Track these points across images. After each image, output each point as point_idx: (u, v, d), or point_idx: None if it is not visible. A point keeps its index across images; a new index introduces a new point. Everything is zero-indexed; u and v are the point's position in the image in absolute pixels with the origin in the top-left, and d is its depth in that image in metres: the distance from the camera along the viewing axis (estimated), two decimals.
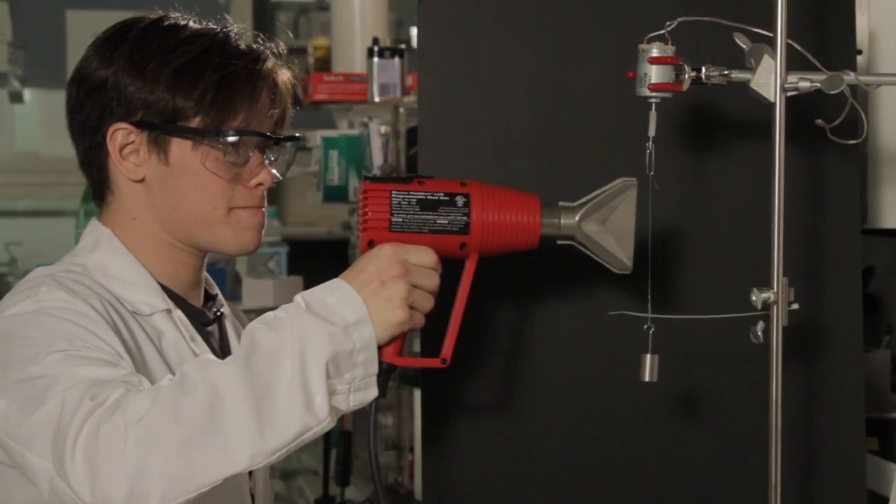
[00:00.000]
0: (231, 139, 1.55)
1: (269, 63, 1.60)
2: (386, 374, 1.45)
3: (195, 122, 1.55)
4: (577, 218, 1.53)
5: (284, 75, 1.63)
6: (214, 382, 1.33)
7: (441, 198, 1.45)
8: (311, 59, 4.53)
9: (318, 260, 4.94)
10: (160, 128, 1.55)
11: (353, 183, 3.58)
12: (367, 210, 1.44)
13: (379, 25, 4.38)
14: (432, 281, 1.45)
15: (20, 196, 6.42)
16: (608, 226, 1.53)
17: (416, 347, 3.12)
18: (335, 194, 3.61)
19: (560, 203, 1.54)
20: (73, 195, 3.41)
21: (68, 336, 1.43)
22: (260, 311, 4.20)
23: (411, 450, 3.15)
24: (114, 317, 1.51)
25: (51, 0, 6.79)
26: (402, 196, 1.45)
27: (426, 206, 1.45)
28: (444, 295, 1.51)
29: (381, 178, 1.47)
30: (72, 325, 1.44)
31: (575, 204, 1.54)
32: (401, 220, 1.44)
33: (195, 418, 1.31)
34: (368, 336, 1.40)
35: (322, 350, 1.36)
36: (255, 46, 1.60)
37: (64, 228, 4.48)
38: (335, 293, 1.41)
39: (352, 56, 4.34)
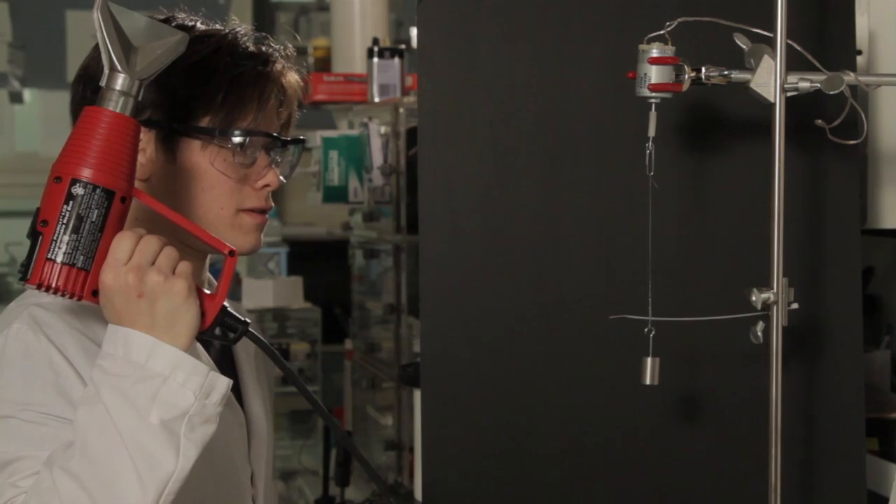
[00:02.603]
0: (240, 140, 1.54)
1: (279, 65, 1.60)
2: (225, 316, 1.40)
3: (204, 122, 1.55)
4: (126, 69, 1.38)
5: (292, 77, 1.63)
6: (66, 489, 1.32)
7: (70, 208, 1.35)
8: (310, 60, 4.54)
9: (317, 260, 4.95)
10: (169, 127, 1.55)
11: (353, 183, 3.58)
12: (60, 289, 1.36)
13: (379, 25, 4.38)
14: (153, 244, 1.38)
15: (20, 196, 6.41)
16: (137, 41, 1.40)
17: (416, 348, 3.12)
18: (335, 194, 3.60)
19: (100, 83, 1.40)
20: None
21: (21, 399, 1.42)
22: (260, 312, 4.22)
23: (411, 450, 3.15)
24: (90, 349, 1.49)
25: (51, 0, 6.78)
26: (56, 249, 1.35)
27: (74, 226, 1.35)
28: None
29: (24, 265, 1.37)
30: (27, 383, 1.43)
31: (105, 68, 1.39)
32: (82, 257, 1.36)
33: None
34: (169, 356, 1.36)
35: (136, 407, 1.34)
36: (263, 48, 1.60)
37: None
38: (117, 341, 1.36)
39: (352, 56, 4.34)
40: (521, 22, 1.86)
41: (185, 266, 1.38)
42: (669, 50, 1.60)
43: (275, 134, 1.58)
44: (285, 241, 4.79)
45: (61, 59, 6.71)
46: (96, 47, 1.58)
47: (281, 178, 1.61)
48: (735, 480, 1.89)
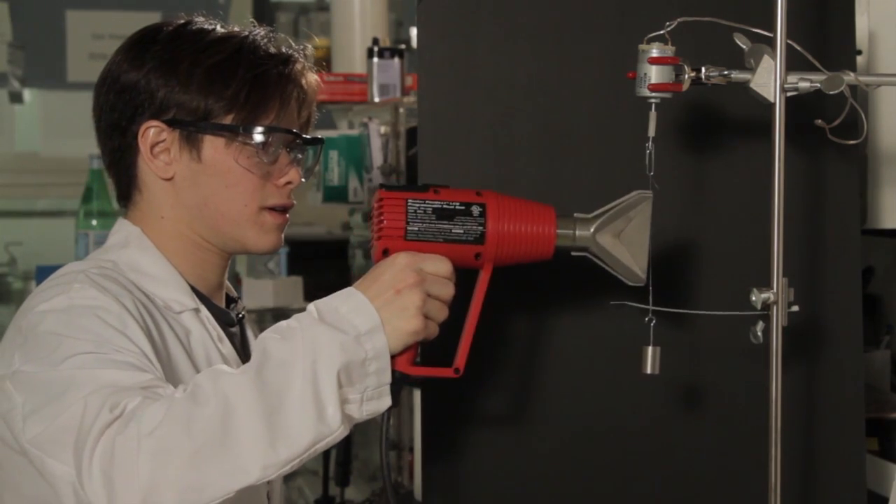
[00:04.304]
0: (264, 137, 1.57)
1: (299, 65, 1.62)
2: (398, 383, 1.44)
3: (227, 121, 1.57)
4: (592, 230, 1.53)
5: (312, 78, 1.65)
6: (226, 394, 1.33)
7: (457, 207, 1.45)
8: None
9: (317, 260, 4.94)
10: (193, 125, 1.57)
11: (353, 183, 3.58)
12: (383, 218, 1.44)
13: (379, 25, 4.37)
14: (447, 290, 1.45)
15: (20, 196, 6.41)
16: (623, 238, 1.53)
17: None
18: (335, 194, 3.60)
19: (575, 214, 1.54)
20: (73, 195, 3.41)
21: (97, 338, 1.44)
22: (260, 312, 4.22)
23: (411, 450, 3.14)
24: (144, 316, 1.52)
25: (51, 0, 6.78)
26: (418, 205, 1.44)
27: (442, 215, 1.45)
28: (457, 304, 1.50)
29: (398, 186, 1.47)
30: (102, 326, 1.45)
31: (590, 216, 1.54)
32: (416, 228, 1.44)
33: (207, 430, 1.31)
34: (381, 345, 1.40)
35: (333, 359, 1.36)
36: (284, 49, 1.62)
37: (64, 228, 4.47)
38: (348, 302, 1.41)
39: (352, 56, 4.33)
40: (521, 22, 1.86)
41: (435, 326, 1.45)
42: (669, 50, 1.60)
43: (296, 132, 1.61)
44: (285, 241, 4.77)
45: (61, 59, 6.70)
46: (119, 50, 1.63)
47: (301, 177, 1.64)
48: (735, 475, 1.89)
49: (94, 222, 3.17)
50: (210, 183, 1.58)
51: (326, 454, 3.42)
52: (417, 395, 2.68)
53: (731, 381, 1.89)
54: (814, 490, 1.90)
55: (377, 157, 3.32)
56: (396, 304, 1.41)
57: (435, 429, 1.86)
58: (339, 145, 3.59)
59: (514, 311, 1.86)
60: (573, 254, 1.54)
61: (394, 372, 1.43)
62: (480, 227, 1.46)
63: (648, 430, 1.88)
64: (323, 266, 4.86)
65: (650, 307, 1.64)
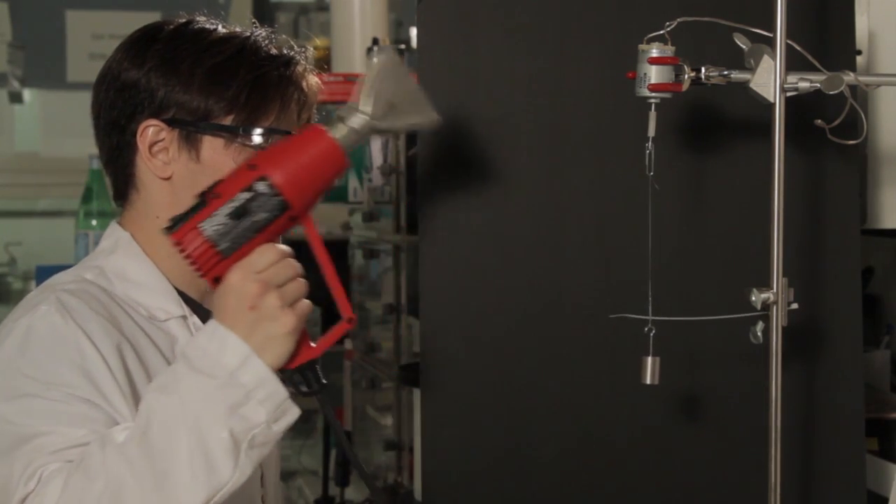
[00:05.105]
0: (263, 138, 1.56)
1: (300, 67, 1.62)
2: (309, 369, 1.41)
3: (227, 121, 1.56)
4: (363, 111, 1.44)
5: (312, 80, 1.64)
6: (114, 467, 1.32)
7: (244, 196, 1.38)
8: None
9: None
10: (193, 125, 1.56)
11: (353, 183, 3.58)
12: (191, 257, 1.38)
13: (379, 25, 4.37)
14: (291, 269, 1.41)
15: (20, 196, 6.41)
16: (396, 98, 1.45)
17: (416, 348, 3.12)
18: (335, 194, 3.60)
19: (338, 113, 1.46)
20: (73, 195, 3.41)
21: (47, 377, 1.43)
22: None
23: (411, 450, 3.14)
24: (114, 336, 1.50)
25: (51, 0, 6.78)
26: (210, 223, 1.37)
27: (237, 214, 1.38)
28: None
29: (178, 218, 1.38)
30: (54, 363, 1.44)
31: (351, 103, 1.45)
32: (227, 244, 1.37)
33: None
34: (259, 371, 1.36)
35: (215, 409, 1.34)
36: (285, 51, 1.61)
37: (64, 228, 4.47)
38: (213, 340, 1.37)
39: (352, 56, 4.34)
40: (522, 22, 1.86)
41: (306, 305, 1.40)
42: (669, 50, 1.61)
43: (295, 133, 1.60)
44: (285, 241, 4.78)
45: (61, 59, 6.70)
46: (119, 48, 1.61)
47: None
48: (735, 480, 1.89)
49: (94, 222, 3.17)
50: (208, 183, 1.58)
51: (326, 454, 3.42)
52: (417, 395, 2.68)
53: (730, 382, 1.89)
54: (814, 490, 1.90)
55: (377, 157, 3.32)
56: (259, 320, 1.37)
57: (435, 429, 1.86)
58: None
59: (515, 317, 1.86)
60: (376, 133, 1.46)
61: (294, 373, 1.39)
62: (277, 197, 1.38)
63: (648, 430, 1.88)
64: None
65: (649, 317, 1.64)
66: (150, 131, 1.58)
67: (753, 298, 1.59)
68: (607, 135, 1.87)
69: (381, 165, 3.27)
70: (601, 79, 1.86)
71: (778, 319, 1.60)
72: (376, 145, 3.33)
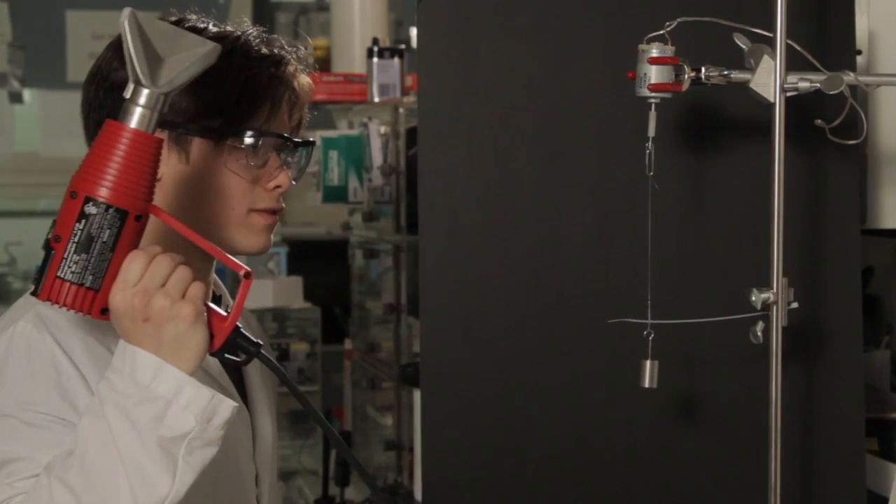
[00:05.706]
0: (253, 140, 1.54)
1: (291, 67, 1.60)
2: (238, 337, 1.40)
3: (217, 123, 1.55)
4: (143, 81, 1.36)
5: (304, 80, 1.62)
6: (61, 500, 1.32)
7: (81, 227, 1.34)
8: (310, 60, 4.53)
9: (317, 260, 4.94)
10: (182, 127, 1.54)
11: (353, 183, 3.58)
12: (67, 306, 1.36)
13: (379, 25, 4.38)
14: (165, 265, 1.37)
15: (20, 196, 6.41)
16: (161, 51, 1.37)
17: (416, 348, 3.12)
18: (335, 194, 3.61)
19: (123, 96, 1.38)
20: None
21: (22, 395, 1.42)
22: (260, 312, 4.23)
23: (411, 450, 3.15)
24: (95, 350, 1.49)
25: (51, 0, 6.79)
26: (65, 267, 1.34)
27: (85, 246, 1.34)
28: None
29: (36, 279, 1.35)
30: (30, 382, 1.43)
31: (130, 81, 1.37)
32: (90, 276, 1.35)
33: None
34: (174, 378, 1.36)
35: (136, 426, 1.34)
36: (276, 50, 1.60)
37: None
38: (125, 360, 1.37)
39: (351, 56, 4.34)
40: (522, 22, 1.86)
41: (196, 288, 1.38)
42: (669, 50, 1.61)
43: (286, 135, 1.58)
44: (285, 241, 4.79)
45: (61, 59, 6.71)
46: (108, 47, 1.59)
47: (291, 180, 1.61)
48: (735, 481, 1.89)
49: None
50: (198, 185, 1.56)
51: (326, 454, 3.42)
52: (417, 395, 2.68)
53: (730, 383, 1.89)
54: (814, 490, 1.91)
55: (377, 157, 3.32)
56: (158, 327, 1.36)
57: (435, 429, 1.86)
58: (339, 145, 3.59)
59: (515, 319, 1.86)
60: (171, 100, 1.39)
61: (223, 350, 1.39)
62: (111, 210, 1.34)
63: (648, 430, 1.88)
64: (322, 266, 4.86)
65: (648, 321, 1.64)
66: None
67: (753, 298, 1.59)
68: (607, 135, 1.87)
69: (381, 165, 3.27)
70: (601, 79, 1.86)
71: (778, 319, 1.60)
72: (376, 145, 3.33)
